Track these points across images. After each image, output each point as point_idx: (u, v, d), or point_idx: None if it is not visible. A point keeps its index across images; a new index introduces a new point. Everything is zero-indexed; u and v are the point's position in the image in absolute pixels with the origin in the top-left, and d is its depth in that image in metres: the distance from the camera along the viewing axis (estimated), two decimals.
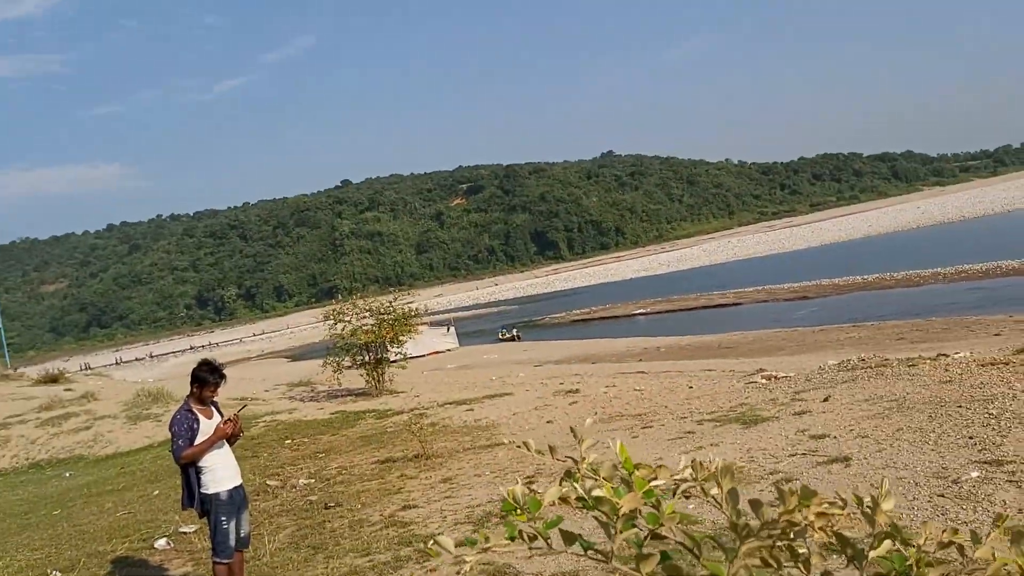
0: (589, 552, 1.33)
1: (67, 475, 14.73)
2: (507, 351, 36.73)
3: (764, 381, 13.06)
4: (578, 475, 1.54)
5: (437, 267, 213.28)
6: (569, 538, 1.31)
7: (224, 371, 6.43)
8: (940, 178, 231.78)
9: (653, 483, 1.36)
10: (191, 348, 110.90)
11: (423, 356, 34.59)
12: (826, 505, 1.26)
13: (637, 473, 1.38)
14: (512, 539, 1.33)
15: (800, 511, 1.29)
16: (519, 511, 1.45)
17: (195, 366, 6.42)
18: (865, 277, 45.03)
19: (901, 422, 8.35)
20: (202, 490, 6.18)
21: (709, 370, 17.96)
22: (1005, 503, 5.70)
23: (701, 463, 1.55)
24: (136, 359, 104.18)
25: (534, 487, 1.59)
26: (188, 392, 6.38)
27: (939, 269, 41.55)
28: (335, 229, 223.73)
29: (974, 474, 6.36)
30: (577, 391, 15.33)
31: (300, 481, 10.72)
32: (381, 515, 8.36)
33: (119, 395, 20.54)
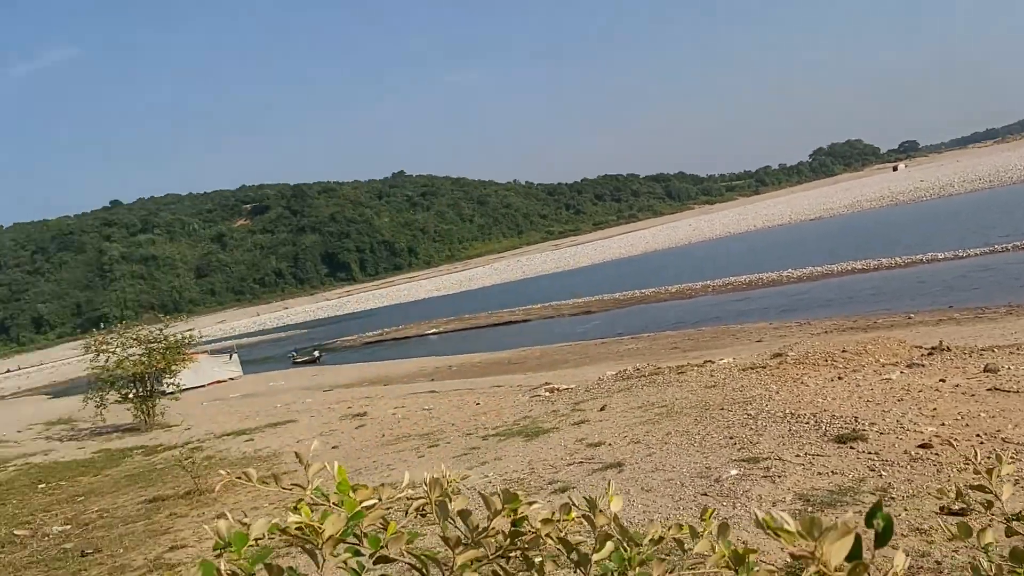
0: None
1: None
2: (295, 377, 35.53)
3: (547, 394, 13.41)
4: (303, 503, 1.41)
5: (219, 292, 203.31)
6: (274, 571, 1.18)
7: None
8: (709, 197, 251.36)
9: (365, 503, 1.25)
10: None
11: (203, 386, 32.72)
12: (545, 511, 1.21)
13: (353, 495, 1.27)
14: None
15: (526, 519, 1.24)
16: (230, 548, 1.30)
17: None
18: (643, 291, 47.69)
19: (670, 426, 8.83)
20: None
21: (498, 386, 18.23)
22: (761, 497, 6.12)
23: (435, 478, 1.47)
24: None
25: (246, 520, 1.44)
26: None
27: (708, 282, 44.77)
28: (103, 253, 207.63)
29: (733, 472, 6.80)
30: (365, 414, 15.03)
31: (54, 528, 9.70)
32: (145, 559, 7.71)
33: None
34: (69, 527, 9.71)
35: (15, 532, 9.84)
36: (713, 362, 13.61)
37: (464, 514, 1.19)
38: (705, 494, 6.39)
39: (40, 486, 12.95)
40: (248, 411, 19.42)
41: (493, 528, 1.17)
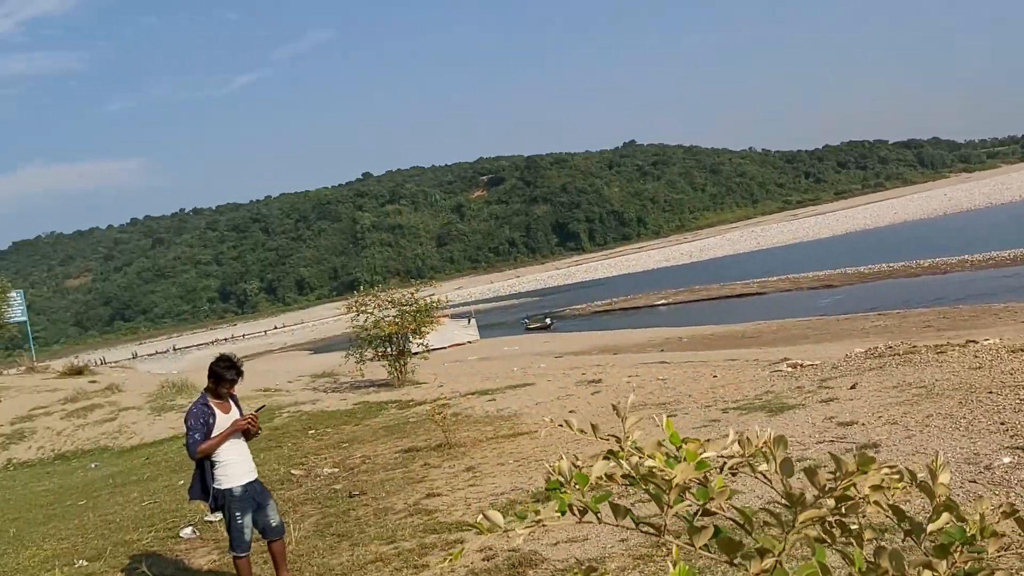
0: (641, 527, 1.30)
1: (92, 466, 14.86)
2: (528, 343, 36.71)
3: (789, 369, 12.94)
4: (622, 453, 1.50)
5: (457, 259, 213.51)
6: (620, 511, 1.28)
7: (242, 367, 6.42)
8: (967, 164, 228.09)
9: (704, 455, 1.32)
10: (214, 341, 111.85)
11: (444, 348, 34.63)
12: (885, 472, 1.21)
13: (687, 447, 1.34)
14: (563, 513, 1.30)
15: (854, 485, 1.25)
16: (564, 487, 1.42)
17: (213, 360, 6.41)
18: (891, 265, 44.59)
19: (931, 408, 8.25)
20: (215, 485, 6.16)
21: (732, 360, 17.82)
22: None
23: (748, 438, 1.51)
24: (157, 352, 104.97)
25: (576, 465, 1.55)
26: (205, 386, 6.40)
27: (966, 256, 41.05)
28: (356, 222, 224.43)
29: (1006, 460, 6.26)
30: (599, 381, 15.28)
31: (324, 470, 10.76)
32: (405, 503, 8.37)
33: (143, 387, 20.71)
34: (337, 470, 10.73)
35: (292, 471, 11.02)
36: (976, 342, 12.49)
37: (810, 472, 1.22)
38: (974, 481, 5.94)
39: (310, 432, 14.38)
40: (488, 373, 20.36)
41: (841, 488, 1.19)
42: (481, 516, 1.32)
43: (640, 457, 1.42)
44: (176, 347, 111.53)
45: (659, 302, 51.61)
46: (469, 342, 39.73)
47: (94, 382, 21.47)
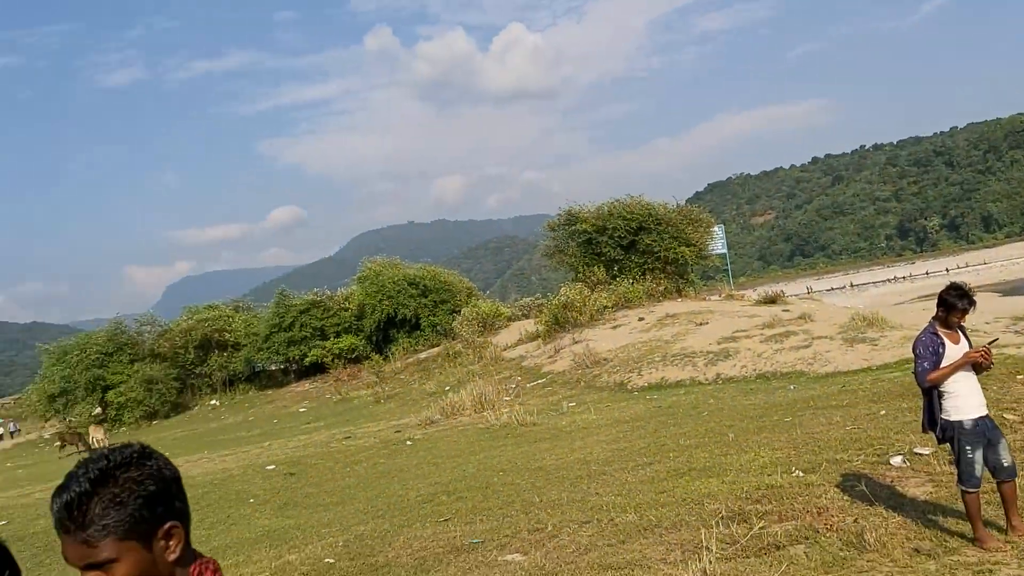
0: None
1: (791, 388, 15.86)
2: None
3: None
4: None
5: None
6: None
7: (975, 297, 6.19)
8: None
9: None
10: (893, 278, 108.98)
11: None
12: None
13: None
14: None
15: None
16: None
17: (943, 289, 6.33)
18: None
19: None
20: (943, 416, 6.08)
21: None
22: None
23: None
24: (832, 288, 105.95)
25: None
26: (933, 315, 6.32)
27: None
28: None
29: None
30: None
31: None
32: None
33: (831, 318, 21.24)
34: None
35: (1004, 415, 10.21)
36: None
37: None
38: None
39: (1018, 376, 13.08)
40: None
41: None
42: None
43: None
44: (853, 283, 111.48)
45: None
46: None
47: (787, 311, 22.83)
